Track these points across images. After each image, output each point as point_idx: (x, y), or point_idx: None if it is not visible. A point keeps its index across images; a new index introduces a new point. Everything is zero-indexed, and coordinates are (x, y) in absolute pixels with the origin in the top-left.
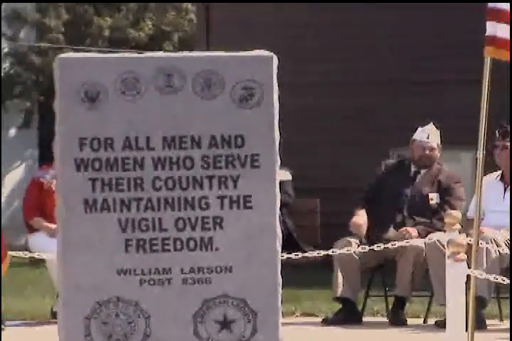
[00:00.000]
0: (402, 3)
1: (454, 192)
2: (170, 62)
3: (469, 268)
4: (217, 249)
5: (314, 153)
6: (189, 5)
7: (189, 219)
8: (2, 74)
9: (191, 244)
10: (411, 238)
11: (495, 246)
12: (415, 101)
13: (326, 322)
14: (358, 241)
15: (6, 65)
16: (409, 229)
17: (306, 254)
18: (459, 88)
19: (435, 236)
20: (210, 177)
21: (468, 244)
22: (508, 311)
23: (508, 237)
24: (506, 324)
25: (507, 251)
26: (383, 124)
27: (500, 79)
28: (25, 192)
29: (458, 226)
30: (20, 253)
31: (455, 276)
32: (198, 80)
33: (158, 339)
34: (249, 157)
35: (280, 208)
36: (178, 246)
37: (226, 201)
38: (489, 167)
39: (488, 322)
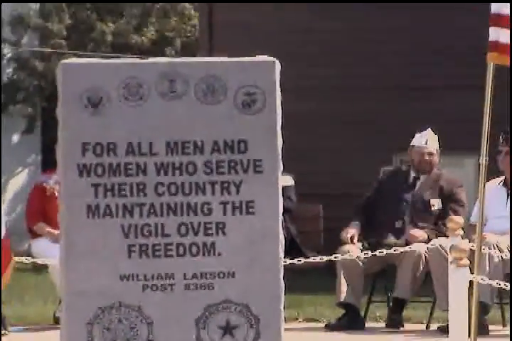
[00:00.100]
0: (404, 9)
1: (457, 197)
2: (173, 68)
3: (472, 273)
4: (219, 255)
5: (317, 158)
6: (192, 11)
7: (192, 224)
8: (5, 80)
9: (194, 249)
10: (420, 241)
11: (497, 251)
12: (417, 107)
13: (329, 327)
14: (360, 247)
15: (9, 70)
16: (418, 231)
17: (308, 260)
18: (461, 93)
19: (438, 242)
20: (213, 183)
21: (470, 249)
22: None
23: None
24: (509, 329)
25: (509, 256)
26: (385, 130)
27: (501, 85)
28: (28, 197)
29: (460, 231)
30: (23, 259)
31: (458, 282)
32: (201, 86)
33: None
34: (251, 162)
35: (283, 213)
36: (181, 252)
37: (229, 206)
38: (493, 173)
39: (490, 327)
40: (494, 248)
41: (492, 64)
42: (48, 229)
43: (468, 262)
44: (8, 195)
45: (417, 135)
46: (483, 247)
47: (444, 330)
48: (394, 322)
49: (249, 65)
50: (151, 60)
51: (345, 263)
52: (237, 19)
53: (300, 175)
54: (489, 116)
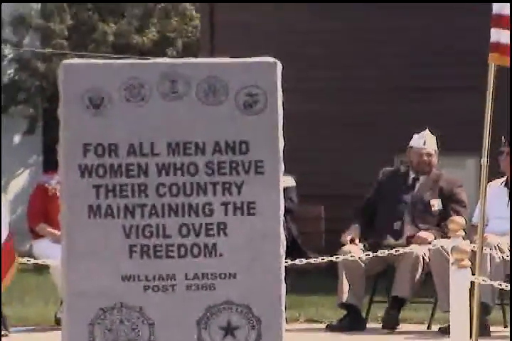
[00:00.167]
0: (404, 10)
1: (457, 198)
2: (174, 69)
3: (473, 274)
4: (221, 255)
5: (318, 159)
6: (193, 11)
7: (193, 225)
8: (6, 80)
9: (195, 250)
10: (428, 243)
11: (499, 252)
12: (418, 108)
13: (330, 328)
14: (362, 248)
15: (10, 70)
16: (425, 233)
17: (310, 260)
18: (461, 94)
19: (439, 243)
20: (214, 184)
21: (472, 250)
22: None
23: None
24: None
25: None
26: (386, 131)
27: (501, 86)
28: (30, 197)
29: (462, 232)
30: (24, 260)
31: (459, 283)
32: (203, 86)
33: None
34: (253, 163)
35: (284, 214)
36: (182, 253)
37: (230, 207)
38: (494, 173)
39: (492, 328)
40: (495, 249)
41: (493, 65)
42: (50, 229)
43: (470, 263)
44: (9, 196)
45: (415, 136)
46: (484, 248)
47: (445, 331)
48: (390, 319)
49: (250, 66)
50: (153, 60)
51: (346, 263)
52: (239, 20)
53: (301, 176)
54: (490, 117)
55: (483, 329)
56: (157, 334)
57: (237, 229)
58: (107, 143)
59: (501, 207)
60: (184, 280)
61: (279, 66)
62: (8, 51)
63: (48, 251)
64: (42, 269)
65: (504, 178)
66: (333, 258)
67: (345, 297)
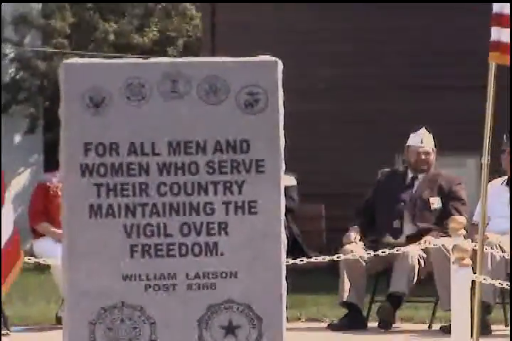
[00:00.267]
0: (404, 9)
1: (457, 195)
2: (175, 68)
3: (474, 273)
4: (222, 255)
5: (319, 158)
6: (193, 11)
7: (194, 224)
8: (7, 80)
9: (196, 249)
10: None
11: (500, 251)
12: (419, 107)
13: (331, 327)
14: (363, 247)
15: (11, 70)
16: (430, 238)
17: (311, 259)
18: (462, 93)
19: (440, 242)
20: (215, 183)
21: (473, 249)
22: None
23: None
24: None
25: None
26: (387, 130)
27: (502, 85)
28: (31, 196)
29: (463, 231)
30: (26, 259)
31: (460, 282)
32: (203, 86)
33: None
34: (254, 162)
35: (285, 213)
36: (183, 252)
37: (231, 206)
38: (496, 172)
39: (493, 327)
40: (496, 248)
41: (494, 63)
42: (52, 228)
43: (471, 262)
44: (10, 195)
45: (412, 135)
46: (485, 247)
47: (446, 330)
48: (385, 315)
49: (251, 65)
50: (154, 60)
51: (348, 262)
52: (239, 19)
53: (302, 175)
54: (491, 116)
55: (484, 328)
56: (158, 333)
57: (238, 228)
58: (107, 142)
59: (502, 206)
60: (185, 279)
61: (280, 65)
62: (9, 50)
63: (49, 251)
64: (43, 268)
65: (505, 177)
66: (334, 257)
67: (346, 296)
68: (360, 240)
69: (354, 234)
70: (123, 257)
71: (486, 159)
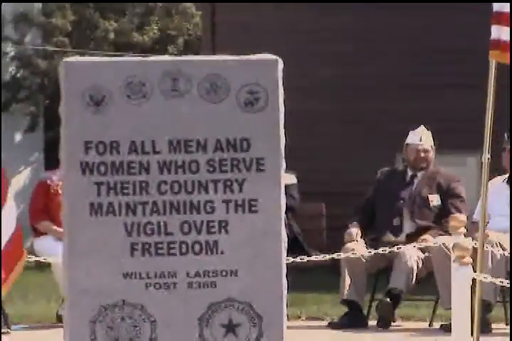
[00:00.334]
0: (404, 9)
1: (455, 192)
2: (176, 66)
3: (475, 271)
4: (222, 253)
5: (320, 157)
6: (194, 9)
7: (194, 222)
8: (8, 78)
9: (196, 247)
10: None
11: (500, 249)
12: (419, 106)
13: (332, 325)
14: (364, 245)
15: (11, 68)
16: (429, 237)
17: (311, 258)
18: (462, 92)
19: (440, 240)
20: (216, 181)
21: (473, 247)
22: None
23: None
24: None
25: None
26: (387, 128)
27: (502, 83)
28: (32, 195)
29: (463, 229)
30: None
31: (460, 280)
32: (204, 84)
33: None
34: (254, 161)
35: (285, 212)
36: (184, 250)
37: (231, 205)
38: (497, 171)
39: (493, 325)
40: (497, 246)
41: (494, 62)
42: (53, 227)
43: (471, 260)
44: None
45: (411, 133)
46: (485, 245)
47: (446, 328)
48: (384, 312)
49: (251, 64)
50: (154, 58)
51: (349, 260)
52: (239, 19)
53: (303, 174)
54: (492, 114)
55: (485, 327)
56: (159, 331)
57: (238, 226)
58: (108, 140)
59: (502, 205)
60: (186, 277)
61: (280, 64)
62: (9, 48)
63: (50, 249)
64: (43, 267)
65: (506, 175)
66: (335, 256)
67: (346, 293)
68: (360, 237)
69: (355, 230)
70: (123, 255)
71: (486, 157)
